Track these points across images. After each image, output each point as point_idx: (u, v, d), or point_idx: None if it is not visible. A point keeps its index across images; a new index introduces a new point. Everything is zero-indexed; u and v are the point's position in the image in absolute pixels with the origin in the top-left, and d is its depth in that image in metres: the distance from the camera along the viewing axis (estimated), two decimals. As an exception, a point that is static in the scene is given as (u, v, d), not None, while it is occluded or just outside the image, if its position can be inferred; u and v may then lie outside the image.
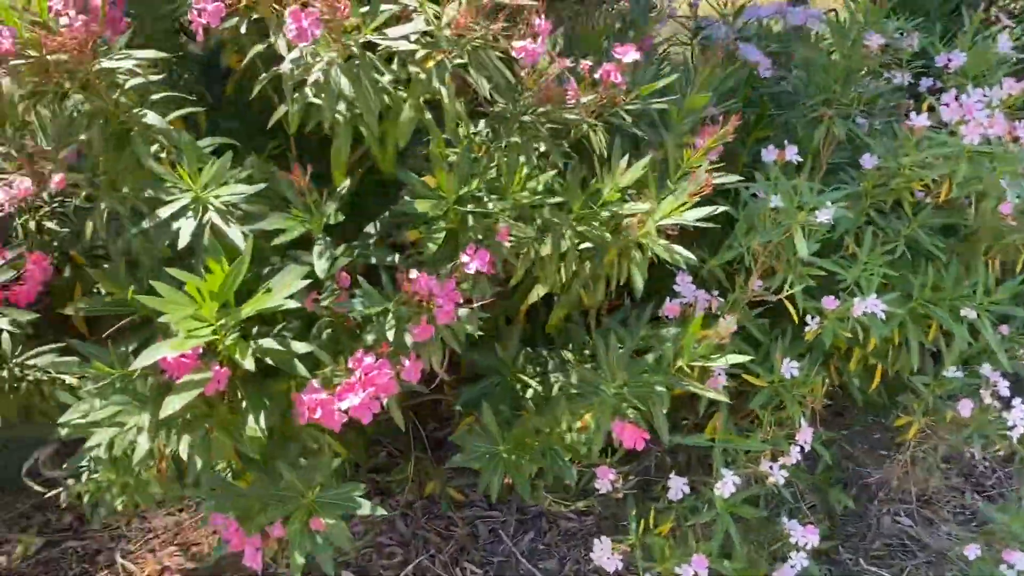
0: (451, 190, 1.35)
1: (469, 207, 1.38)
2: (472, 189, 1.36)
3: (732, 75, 1.89)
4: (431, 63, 1.27)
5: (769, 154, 1.78)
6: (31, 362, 1.75)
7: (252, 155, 1.48)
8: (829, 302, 1.76)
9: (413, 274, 1.31)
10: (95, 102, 1.23)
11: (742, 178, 1.66)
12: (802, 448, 1.90)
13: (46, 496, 2.18)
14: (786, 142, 1.79)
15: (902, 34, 2.11)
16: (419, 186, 1.39)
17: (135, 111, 1.32)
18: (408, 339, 1.33)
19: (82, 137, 1.26)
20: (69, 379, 1.76)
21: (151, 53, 1.32)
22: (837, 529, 2.33)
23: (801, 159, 1.79)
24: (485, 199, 1.39)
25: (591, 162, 1.53)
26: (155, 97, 1.38)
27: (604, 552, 1.80)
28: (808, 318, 1.79)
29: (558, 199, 1.45)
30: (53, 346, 1.76)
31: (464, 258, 1.34)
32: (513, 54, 1.27)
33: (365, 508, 1.44)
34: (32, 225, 1.86)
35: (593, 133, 1.51)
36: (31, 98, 1.23)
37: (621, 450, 2.00)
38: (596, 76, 1.50)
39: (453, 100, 1.30)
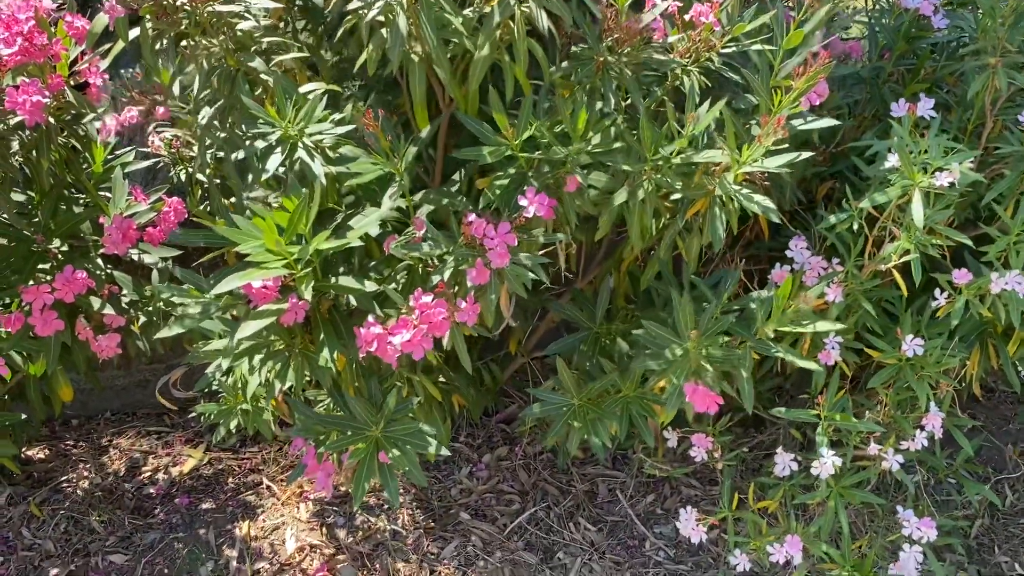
0: (511, 135, 1.34)
1: (537, 154, 1.37)
2: (535, 134, 1.35)
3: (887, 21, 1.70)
4: (495, 1, 1.26)
5: (900, 108, 1.60)
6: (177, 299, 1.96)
7: (356, 100, 1.55)
8: (960, 275, 1.57)
9: (471, 217, 1.32)
10: (207, 44, 1.34)
11: (877, 134, 1.49)
12: (932, 435, 1.71)
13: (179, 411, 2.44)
14: (921, 95, 1.60)
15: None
16: (486, 133, 1.39)
17: (241, 55, 1.42)
18: (468, 281, 1.35)
19: (189, 70, 1.37)
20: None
21: (267, 2, 1.42)
22: (996, 526, 2.09)
23: (935, 114, 1.60)
24: (552, 144, 1.36)
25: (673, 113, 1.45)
26: (264, 41, 1.47)
27: (689, 522, 1.74)
28: (937, 292, 1.60)
29: (623, 145, 1.40)
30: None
31: (523, 202, 1.33)
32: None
33: (432, 447, 1.49)
34: (183, 175, 2.06)
35: (687, 78, 1.44)
36: (150, 37, 1.36)
37: (724, 420, 1.91)
38: (688, 17, 1.42)
39: (523, 37, 1.29)
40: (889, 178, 1.46)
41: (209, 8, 1.34)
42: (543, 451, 2.46)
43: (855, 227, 1.52)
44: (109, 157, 1.93)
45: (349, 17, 1.37)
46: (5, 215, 1.82)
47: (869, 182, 1.68)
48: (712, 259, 2.01)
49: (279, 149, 1.35)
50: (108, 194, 1.88)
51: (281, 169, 1.37)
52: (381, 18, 1.26)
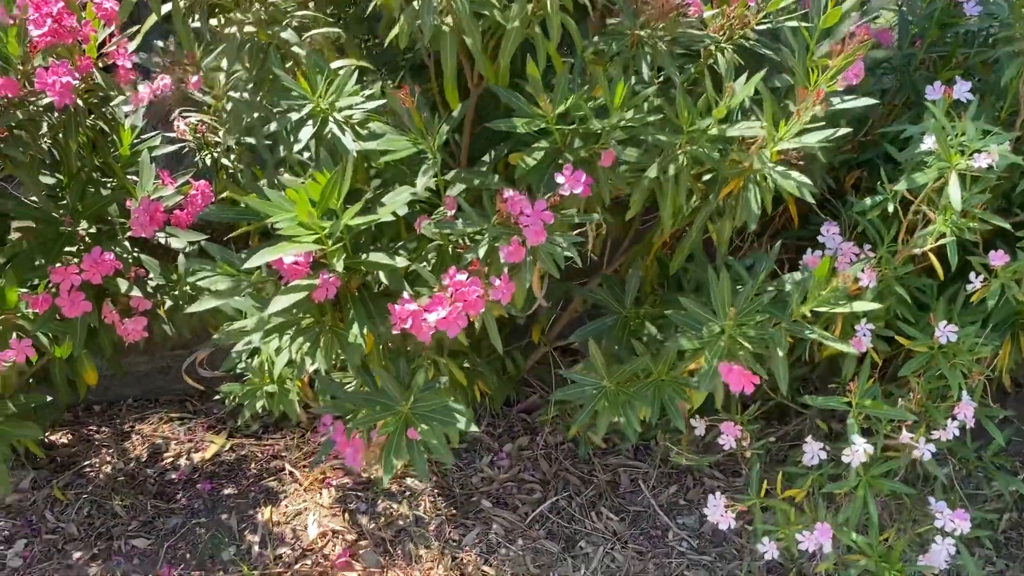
0: (549, 107, 1.33)
1: (574, 127, 1.36)
2: (571, 107, 1.34)
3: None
4: (530, -27, 1.26)
5: (935, 91, 1.58)
6: (201, 283, 1.95)
7: (384, 80, 1.55)
8: (997, 257, 1.54)
9: (507, 193, 1.31)
10: (240, 18, 1.34)
11: (910, 120, 1.47)
12: (963, 424, 1.69)
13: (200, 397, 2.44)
14: (957, 78, 1.58)
15: None
16: (521, 105, 1.38)
17: (274, 28, 1.42)
18: (501, 258, 1.34)
19: (223, 46, 1.37)
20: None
21: (298, -24, 1.42)
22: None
23: (971, 97, 1.57)
24: (588, 118, 1.35)
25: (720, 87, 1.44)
26: (296, 15, 1.47)
27: (718, 509, 1.72)
28: (972, 276, 1.58)
29: (659, 117, 1.38)
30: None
31: (559, 179, 1.32)
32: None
33: (462, 424, 1.48)
34: (209, 160, 2.06)
35: (720, 54, 1.43)
36: (183, 7, 1.36)
37: (752, 409, 1.90)
38: (723, -7, 1.41)
39: (556, 10, 1.28)
40: (925, 161, 1.44)
41: (242, -19, 1.34)
42: (564, 441, 2.45)
43: (890, 211, 1.50)
44: (135, 140, 1.94)
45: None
46: (33, 197, 1.83)
47: (901, 169, 1.66)
48: (739, 247, 1.99)
49: (310, 122, 1.35)
50: (135, 177, 1.89)
51: (311, 143, 1.36)
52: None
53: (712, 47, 1.43)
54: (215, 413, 2.60)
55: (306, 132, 1.33)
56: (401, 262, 1.32)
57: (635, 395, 1.56)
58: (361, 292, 1.43)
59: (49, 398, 2.01)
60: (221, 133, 2.07)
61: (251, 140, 1.98)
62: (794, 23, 1.40)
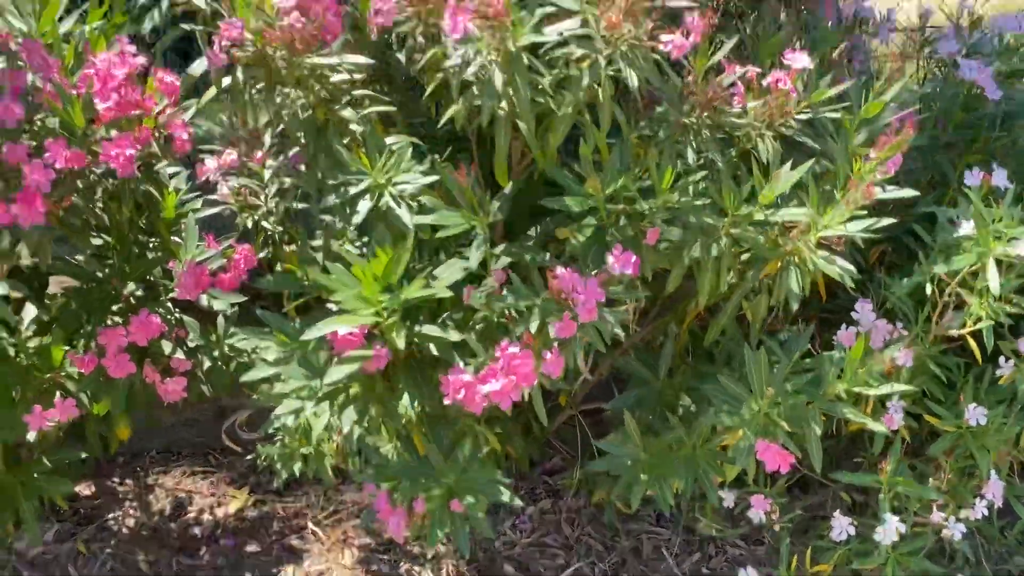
0: (599, 188, 1.38)
1: (622, 206, 1.41)
2: (620, 188, 1.39)
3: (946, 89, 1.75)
4: (587, 63, 1.32)
5: (973, 177, 1.64)
6: (240, 344, 1.99)
7: (433, 156, 1.60)
8: (1026, 343, 1.59)
9: (559, 270, 1.36)
10: (302, 93, 1.40)
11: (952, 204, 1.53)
12: (991, 503, 1.71)
13: (247, 457, 2.48)
14: (995, 165, 1.63)
15: None
16: (572, 185, 1.44)
17: (334, 105, 1.48)
18: (551, 333, 1.38)
19: (285, 117, 1.43)
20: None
21: (359, 58, 1.48)
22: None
23: (1010, 184, 1.63)
24: (636, 198, 1.40)
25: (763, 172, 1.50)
26: (354, 93, 1.53)
27: (751, 581, 1.73)
28: (1002, 360, 1.62)
29: (707, 201, 1.44)
30: (257, 330, 1.99)
31: (610, 259, 1.36)
32: (661, 46, 1.29)
33: (505, 496, 1.50)
34: (250, 223, 2.12)
35: (761, 141, 1.48)
36: (248, 85, 1.42)
37: (784, 482, 1.92)
38: (765, 83, 1.47)
39: (609, 100, 1.34)
40: (960, 244, 1.49)
41: (307, 60, 1.40)
42: (587, 505, 2.46)
43: (928, 292, 1.54)
44: (178, 203, 1.99)
45: (439, 74, 1.43)
46: (79, 256, 1.87)
47: (929, 248, 1.71)
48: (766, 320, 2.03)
49: (367, 196, 1.40)
50: (176, 239, 1.94)
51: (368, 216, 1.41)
52: (475, 76, 1.31)
53: (753, 134, 1.48)
54: (237, 468, 2.61)
55: (364, 206, 1.38)
56: (455, 336, 1.36)
57: (670, 468, 1.58)
58: (408, 362, 1.46)
59: (84, 454, 2.04)
60: (262, 197, 2.14)
61: (295, 205, 2.06)
62: (835, 114, 1.46)
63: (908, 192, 1.47)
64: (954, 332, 1.55)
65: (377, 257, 1.27)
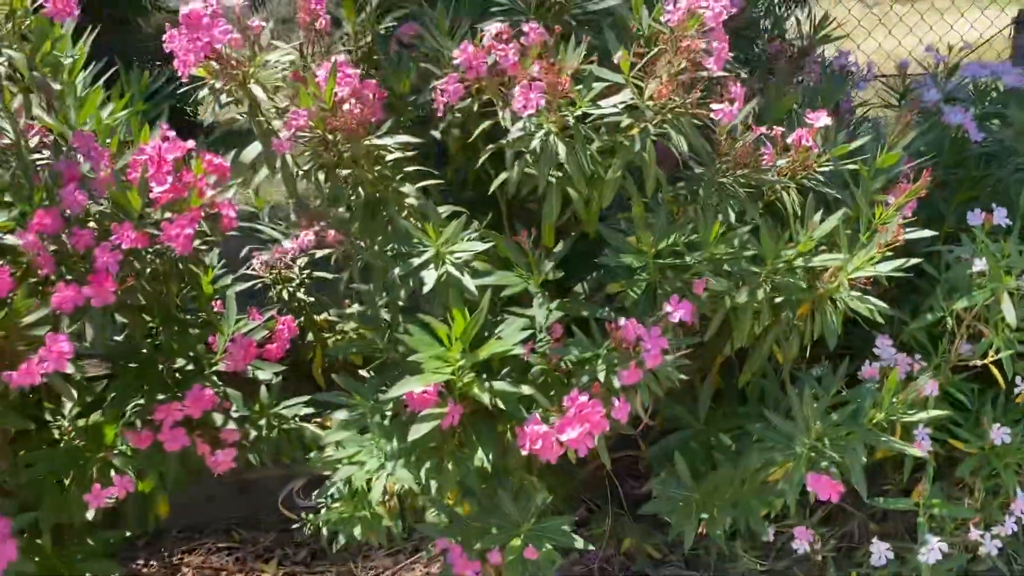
0: (650, 245, 1.49)
1: (668, 260, 1.51)
2: (670, 245, 1.49)
3: (928, 135, 1.91)
4: (635, 131, 1.43)
5: (976, 217, 1.78)
6: (284, 412, 2.04)
7: (475, 223, 1.70)
8: (1042, 364, 1.71)
9: (622, 322, 1.45)
10: (359, 173, 1.49)
11: (946, 241, 1.66)
12: (1019, 519, 1.82)
13: (292, 527, 2.49)
14: (994, 205, 1.77)
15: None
16: (622, 243, 1.54)
17: (393, 182, 1.57)
18: (616, 382, 1.47)
19: (352, 198, 1.51)
20: (311, 426, 2.05)
21: (406, 137, 1.58)
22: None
23: (1010, 222, 1.77)
24: (684, 253, 1.51)
25: (782, 222, 1.62)
26: (408, 170, 1.62)
27: (802, 613, 1.80)
28: (1018, 380, 1.74)
29: (752, 252, 1.55)
30: (300, 399, 2.05)
31: (667, 308, 1.46)
32: (712, 116, 1.41)
33: (578, 543, 1.57)
34: (285, 294, 2.19)
35: (786, 194, 1.60)
36: (313, 168, 1.50)
37: (819, 512, 2.01)
38: (788, 141, 1.59)
39: (653, 164, 1.45)
40: (976, 280, 1.62)
41: (365, 142, 1.49)
42: (616, 554, 2.51)
43: (949, 326, 1.66)
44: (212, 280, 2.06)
45: (491, 146, 1.53)
46: (118, 339, 1.92)
47: (939, 284, 1.84)
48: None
49: (432, 265, 1.48)
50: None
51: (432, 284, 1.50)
52: (533, 144, 1.41)
53: (779, 188, 1.60)
54: (262, 542, 2.62)
55: (430, 275, 1.46)
56: (527, 390, 1.43)
57: (722, 506, 1.66)
58: (474, 418, 1.53)
59: (128, 533, 2.04)
60: (295, 269, 2.21)
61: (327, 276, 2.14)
62: (853, 166, 1.59)
63: (927, 232, 1.60)
64: (977, 362, 1.67)
65: (455, 320, 1.35)
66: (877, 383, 1.71)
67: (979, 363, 1.69)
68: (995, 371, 1.68)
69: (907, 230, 1.53)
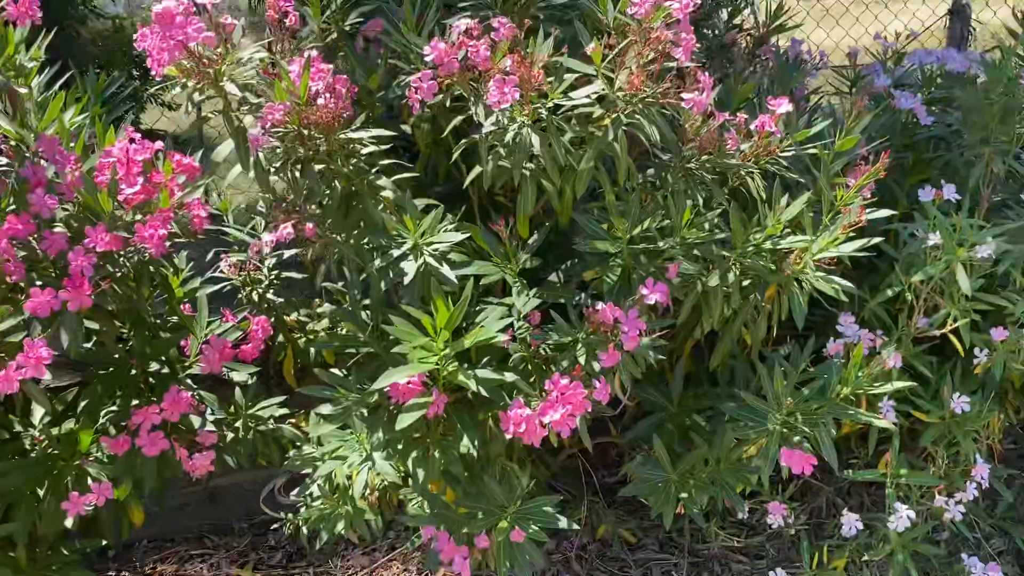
0: (624, 232, 1.52)
1: (641, 246, 1.55)
2: (644, 231, 1.53)
3: (880, 119, 1.98)
4: (607, 121, 1.46)
5: (927, 194, 1.85)
6: (261, 413, 2.04)
7: (450, 215, 1.71)
8: (998, 333, 1.78)
9: (599, 306, 1.48)
10: (335, 167, 1.49)
11: (901, 220, 1.73)
12: (979, 485, 1.89)
13: (269, 530, 2.48)
14: (943, 182, 1.85)
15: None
16: (598, 230, 1.57)
17: (369, 175, 1.58)
18: (596, 365, 1.50)
19: (326, 193, 1.52)
20: (288, 427, 2.05)
21: (381, 131, 1.59)
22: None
23: (959, 197, 1.84)
24: (656, 238, 1.55)
25: (746, 205, 1.67)
26: (383, 163, 1.63)
27: (780, 583, 1.86)
28: (976, 351, 1.81)
29: (722, 236, 1.59)
30: (276, 399, 2.05)
31: (643, 290, 1.50)
32: (683, 104, 1.45)
33: (562, 523, 1.60)
34: (255, 295, 2.18)
35: (751, 179, 1.65)
36: (289, 163, 1.51)
37: (790, 488, 2.07)
38: (752, 127, 1.64)
39: (625, 154, 1.49)
40: (930, 254, 1.69)
41: (341, 136, 1.50)
42: (592, 541, 2.55)
43: (909, 300, 1.73)
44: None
45: (465, 141, 1.55)
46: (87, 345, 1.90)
47: (892, 263, 1.91)
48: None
49: (411, 257, 1.50)
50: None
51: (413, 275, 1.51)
52: (508, 137, 1.43)
53: (743, 172, 1.65)
54: (236, 547, 2.60)
55: (410, 266, 1.48)
56: (510, 376, 1.46)
57: (700, 484, 1.71)
58: (458, 407, 1.55)
59: (104, 542, 2.02)
60: (264, 270, 2.20)
61: (292, 275, 2.14)
62: (813, 150, 1.65)
63: (886, 212, 1.66)
64: (936, 332, 1.74)
65: (439, 310, 1.37)
66: (843, 359, 1.76)
67: (938, 333, 1.76)
68: (954, 340, 1.76)
69: (868, 210, 1.58)
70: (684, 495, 1.69)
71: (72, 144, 1.82)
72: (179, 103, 4.69)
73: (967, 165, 2.09)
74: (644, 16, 1.43)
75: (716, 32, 2.15)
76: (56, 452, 1.85)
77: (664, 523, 1.81)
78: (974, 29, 4.40)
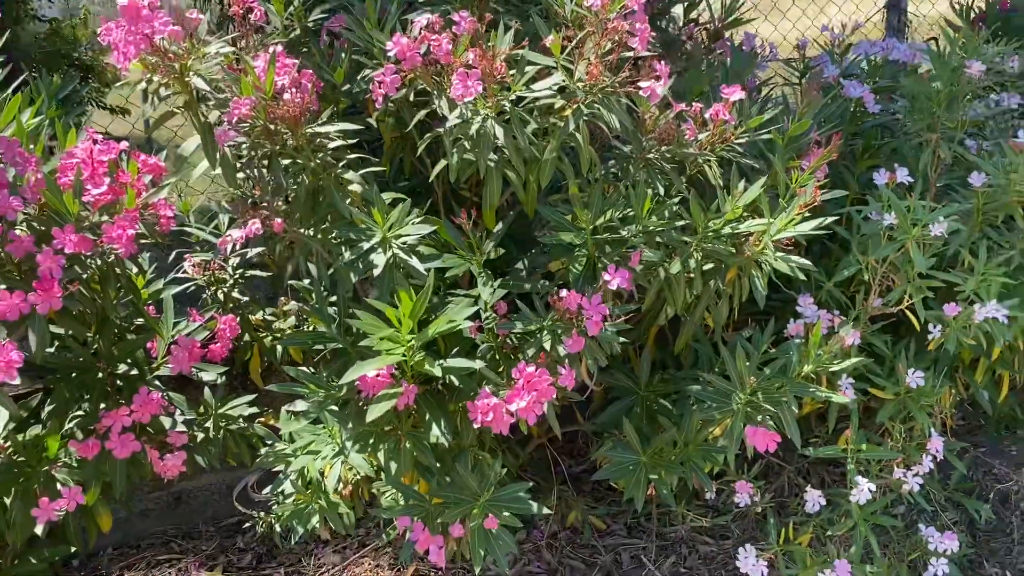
0: (588, 222, 1.56)
1: (605, 235, 1.58)
2: (607, 220, 1.57)
3: (830, 108, 2.05)
4: (568, 112, 1.49)
5: (881, 177, 1.91)
6: (230, 412, 2.04)
7: (415, 209, 1.74)
8: (950, 308, 1.86)
9: (563, 293, 1.51)
10: (302, 161, 1.51)
11: (853, 204, 1.78)
12: (934, 457, 1.96)
13: (239, 529, 2.47)
14: (896, 165, 1.91)
15: (1003, 58, 2.21)
16: (561, 221, 1.61)
17: (336, 169, 1.59)
18: (562, 351, 1.53)
19: (293, 187, 1.53)
20: (259, 425, 2.05)
21: (346, 125, 1.60)
22: (979, 543, 2.34)
23: (912, 180, 1.92)
24: (619, 228, 1.59)
25: (704, 193, 1.72)
26: (350, 157, 1.65)
27: (750, 559, 1.90)
28: (930, 326, 1.89)
29: (683, 222, 1.64)
30: (245, 398, 2.06)
31: (606, 276, 1.53)
32: (641, 93, 1.48)
33: (533, 508, 1.62)
34: (220, 295, 2.18)
35: (708, 166, 1.70)
36: (256, 157, 1.51)
37: (756, 467, 2.12)
38: (707, 116, 1.69)
39: (587, 144, 1.52)
40: (884, 234, 1.75)
41: (307, 129, 1.52)
42: (562, 529, 2.58)
43: (866, 279, 1.79)
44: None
45: (429, 135, 1.57)
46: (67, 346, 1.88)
47: (846, 246, 1.98)
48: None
49: (380, 249, 1.52)
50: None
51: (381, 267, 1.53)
52: (473, 130, 1.46)
53: (701, 160, 1.70)
54: (204, 550, 2.59)
55: (379, 258, 1.50)
56: (479, 364, 1.48)
57: (670, 465, 1.75)
58: (428, 398, 1.57)
59: (72, 549, 2.00)
60: (229, 269, 2.20)
61: (257, 273, 2.15)
62: (768, 136, 1.70)
63: (839, 192, 1.72)
64: (892, 309, 1.80)
65: (403, 301, 1.39)
66: (803, 339, 1.82)
67: (895, 310, 1.82)
68: (911, 315, 1.82)
69: (822, 191, 1.64)
70: (655, 476, 1.72)
71: (32, 146, 1.80)
72: (124, 107, 4.65)
73: (915, 151, 2.16)
74: (600, 8, 1.47)
75: (672, 26, 2.20)
76: (23, 459, 1.84)
77: (636, 506, 1.85)
78: (910, 21, 4.56)
